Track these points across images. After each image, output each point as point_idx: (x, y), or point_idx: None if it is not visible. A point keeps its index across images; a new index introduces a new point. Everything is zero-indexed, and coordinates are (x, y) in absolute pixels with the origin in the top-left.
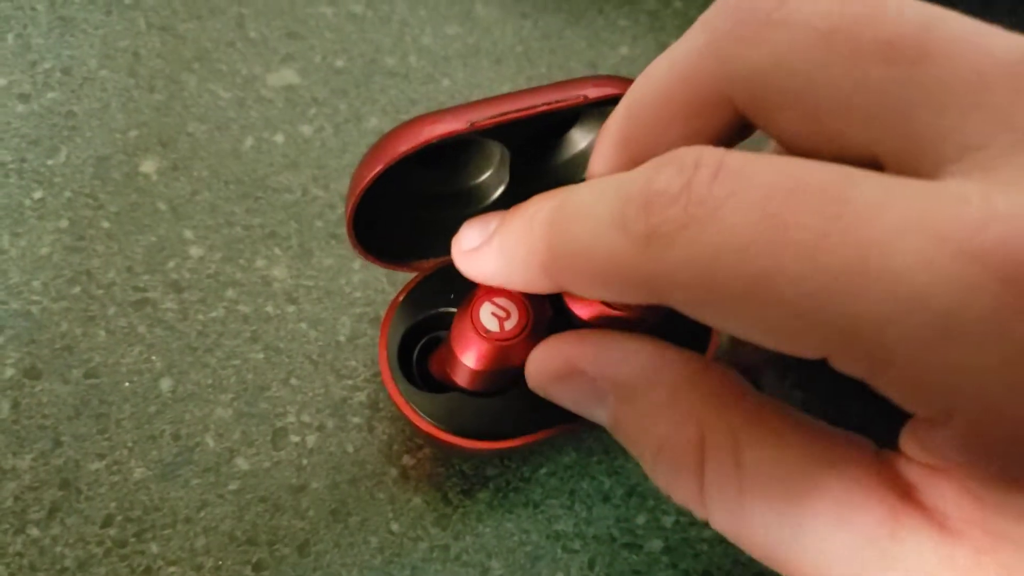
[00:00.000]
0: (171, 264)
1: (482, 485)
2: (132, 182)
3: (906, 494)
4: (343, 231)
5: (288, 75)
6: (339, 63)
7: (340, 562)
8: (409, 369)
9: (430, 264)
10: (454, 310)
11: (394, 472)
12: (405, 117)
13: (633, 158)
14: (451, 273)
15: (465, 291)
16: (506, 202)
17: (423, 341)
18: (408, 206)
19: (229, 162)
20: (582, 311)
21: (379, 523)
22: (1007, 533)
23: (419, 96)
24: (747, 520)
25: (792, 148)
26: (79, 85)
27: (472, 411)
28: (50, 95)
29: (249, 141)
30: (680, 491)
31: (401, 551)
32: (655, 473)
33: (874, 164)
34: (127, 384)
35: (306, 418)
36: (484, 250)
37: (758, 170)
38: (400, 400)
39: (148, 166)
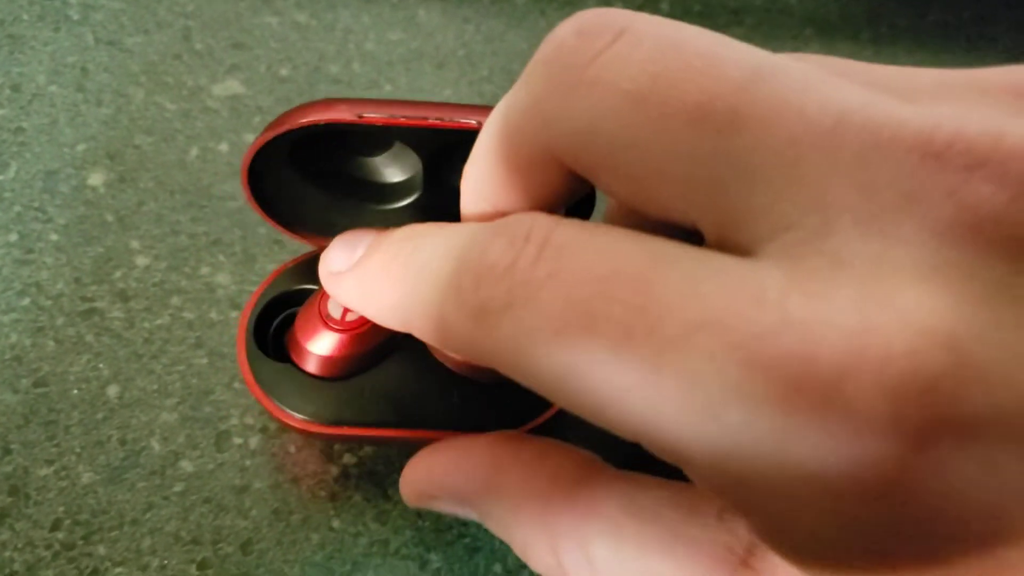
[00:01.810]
0: (118, 274)
1: None
2: (80, 195)
3: (743, 559)
4: (286, 237)
5: (233, 85)
6: (283, 72)
7: (283, 559)
8: (265, 338)
9: (326, 242)
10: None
11: (335, 471)
12: None
13: (485, 208)
14: None
15: None
16: (417, 208)
17: (283, 315)
18: (319, 183)
19: (175, 172)
20: None
21: (320, 520)
22: None
23: None
24: None
25: (625, 205)
26: (28, 101)
27: (307, 390)
28: None
29: (194, 151)
30: None
31: (342, 547)
32: (529, 566)
33: (696, 231)
34: (75, 392)
35: (249, 420)
36: (346, 278)
37: (579, 250)
38: (243, 364)
39: (96, 179)
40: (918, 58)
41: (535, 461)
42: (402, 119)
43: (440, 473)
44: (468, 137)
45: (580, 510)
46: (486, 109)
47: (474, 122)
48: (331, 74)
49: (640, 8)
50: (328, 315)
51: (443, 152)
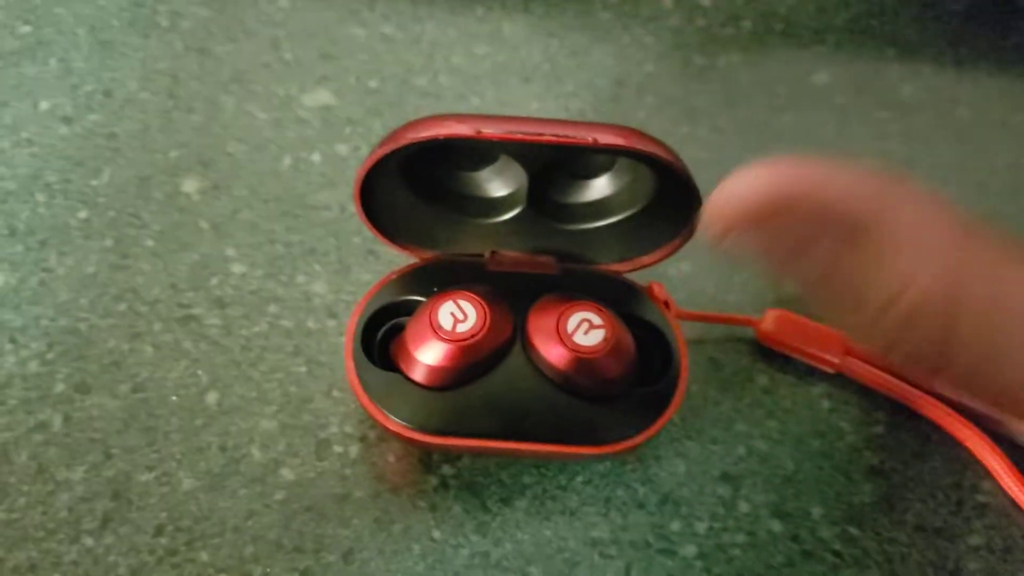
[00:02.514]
0: (214, 281)
1: (519, 493)
2: (174, 201)
3: None
4: (380, 247)
5: (323, 96)
6: (372, 84)
7: (384, 569)
8: (371, 345)
9: (431, 254)
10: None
11: (434, 481)
12: None
13: None
14: (443, 268)
15: (445, 287)
16: (520, 223)
17: (391, 323)
18: (424, 195)
19: (268, 181)
20: (548, 351)
21: (421, 531)
22: None
23: None
24: (1008, 351)
25: None
26: (120, 107)
27: (414, 399)
28: (92, 117)
29: (287, 160)
30: (922, 332)
31: (443, 558)
32: (888, 317)
33: None
34: (174, 398)
35: (348, 429)
36: None
37: None
38: (350, 371)
39: (189, 186)
40: (1000, 81)
41: (923, 195)
42: (519, 135)
43: (818, 177)
44: (575, 153)
45: (992, 245)
46: (597, 126)
47: (589, 139)
48: (419, 87)
49: (722, 26)
50: (439, 325)
51: (549, 167)
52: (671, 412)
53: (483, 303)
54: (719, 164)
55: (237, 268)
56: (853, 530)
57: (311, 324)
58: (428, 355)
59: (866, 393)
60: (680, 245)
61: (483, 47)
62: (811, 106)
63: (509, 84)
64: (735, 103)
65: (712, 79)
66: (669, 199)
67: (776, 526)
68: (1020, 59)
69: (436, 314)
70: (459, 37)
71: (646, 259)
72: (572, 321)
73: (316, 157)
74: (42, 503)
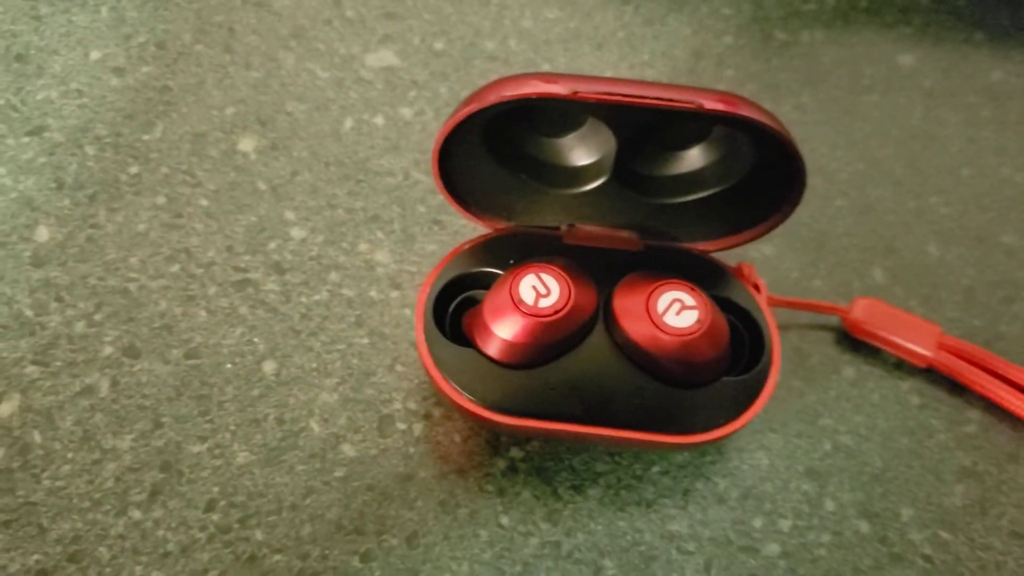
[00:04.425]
0: (272, 245)
1: (592, 481)
2: (230, 160)
3: None
4: (446, 216)
5: (387, 56)
6: (438, 46)
7: (450, 555)
8: (441, 318)
9: (505, 225)
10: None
11: (502, 464)
12: None
13: None
14: (517, 240)
15: (522, 260)
16: (602, 195)
17: (462, 296)
18: (505, 162)
19: (329, 143)
20: (636, 332)
21: (488, 516)
22: None
23: None
24: None
25: None
26: (174, 60)
27: (490, 377)
28: (145, 69)
29: (349, 122)
30: None
31: (512, 546)
32: None
33: None
34: (229, 366)
35: (412, 405)
36: None
37: None
38: (422, 345)
39: (246, 144)
40: None
41: None
42: (619, 96)
43: None
44: (671, 120)
45: None
46: (700, 90)
47: (694, 103)
48: (487, 50)
49: (804, 1)
50: (520, 299)
51: (639, 135)
52: (762, 403)
53: (567, 278)
54: (803, 143)
55: (296, 232)
56: (945, 534)
57: (374, 294)
58: (506, 330)
59: (958, 390)
60: (779, 223)
61: (554, 11)
62: (897, 88)
63: (581, 51)
64: (818, 81)
65: (794, 55)
66: (768, 174)
67: (864, 527)
68: None
69: (517, 287)
70: (529, 0)
71: (737, 238)
72: (663, 301)
73: (379, 120)
74: (88, 472)
